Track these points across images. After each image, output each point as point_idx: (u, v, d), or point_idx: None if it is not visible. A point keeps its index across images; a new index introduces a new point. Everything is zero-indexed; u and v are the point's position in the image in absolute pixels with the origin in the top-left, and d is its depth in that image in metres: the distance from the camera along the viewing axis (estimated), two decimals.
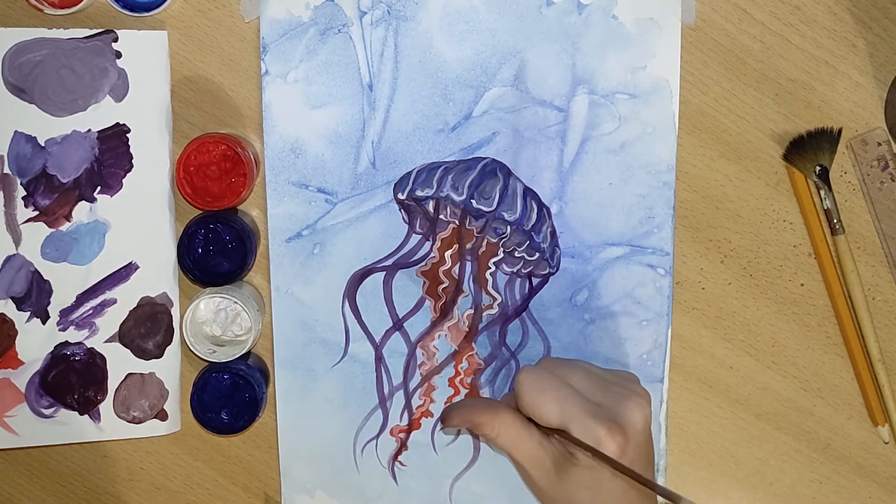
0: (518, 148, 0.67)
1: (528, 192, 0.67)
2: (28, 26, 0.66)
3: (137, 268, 0.67)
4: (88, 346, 0.68)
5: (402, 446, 0.69)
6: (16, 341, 0.67)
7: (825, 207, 0.68)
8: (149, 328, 0.68)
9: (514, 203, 0.66)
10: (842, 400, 0.70)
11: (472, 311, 0.68)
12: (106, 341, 0.68)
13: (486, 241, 0.68)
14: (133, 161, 0.66)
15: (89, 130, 0.66)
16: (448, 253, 0.68)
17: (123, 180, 0.66)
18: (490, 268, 0.68)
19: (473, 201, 0.66)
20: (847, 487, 0.71)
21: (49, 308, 0.67)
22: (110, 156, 0.66)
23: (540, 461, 0.59)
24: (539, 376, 0.59)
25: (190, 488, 0.71)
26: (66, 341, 0.67)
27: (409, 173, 0.67)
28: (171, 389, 0.68)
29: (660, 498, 0.58)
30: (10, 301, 0.67)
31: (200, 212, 0.66)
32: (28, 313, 0.67)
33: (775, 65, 0.67)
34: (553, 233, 0.67)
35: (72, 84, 0.65)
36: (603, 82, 0.66)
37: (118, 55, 0.65)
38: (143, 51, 0.65)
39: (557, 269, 0.68)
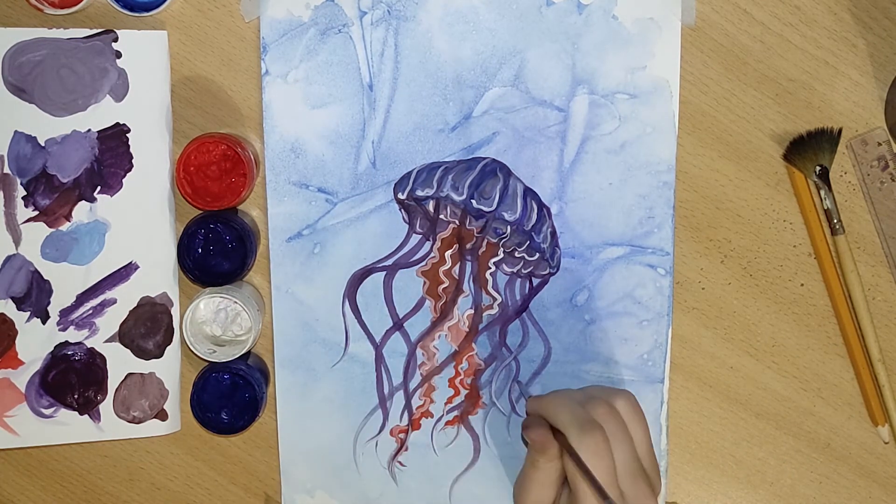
0: (518, 148, 0.67)
1: (529, 192, 0.67)
2: (28, 26, 0.66)
3: (137, 268, 0.67)
4: (88, 346, 0.67)
5: (402, 447, 0.69)
6: (16, 341, 0.67)
7: (825, 207, 0.68)
8: (149, 328, 0.68)
9: (514, 203, 0.66)
10: (842, 400, 0.70)
11: (473, 312, 0.68)
12: (106, 341, 0.68)
13: (486, 241, 0.68)
14: (133, 161, 0.66)
15: (89, 130, 0.66)
16: (448, 253, 0.68)
17: (123, 180, 0.66)
18: (490, 268, 0.68)
19: (473, 201, 0.66)
20: (847, 487, 0.71)
21: (49, 308, 0.67)
22: (110, 156, 0.66)
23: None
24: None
25: (190, 488, 0.71)
26: (66, 341, 0.67)
27: (410, 173, 0.67)
28: (171, 389, 0.68)
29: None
30: (10, 301, 0.67)
31: (200, 212, 0.66)
32: (28, 313, 0.67)
33: (775, 65, 0.67)
34: (553, 233, 0.67)
35: (72, 84, 0.65)
36: (603, 82, 0.66)
37: (118, 55, 0.65)
38: (143, 51, 0.65)
39: (558, 270, 0.68)
